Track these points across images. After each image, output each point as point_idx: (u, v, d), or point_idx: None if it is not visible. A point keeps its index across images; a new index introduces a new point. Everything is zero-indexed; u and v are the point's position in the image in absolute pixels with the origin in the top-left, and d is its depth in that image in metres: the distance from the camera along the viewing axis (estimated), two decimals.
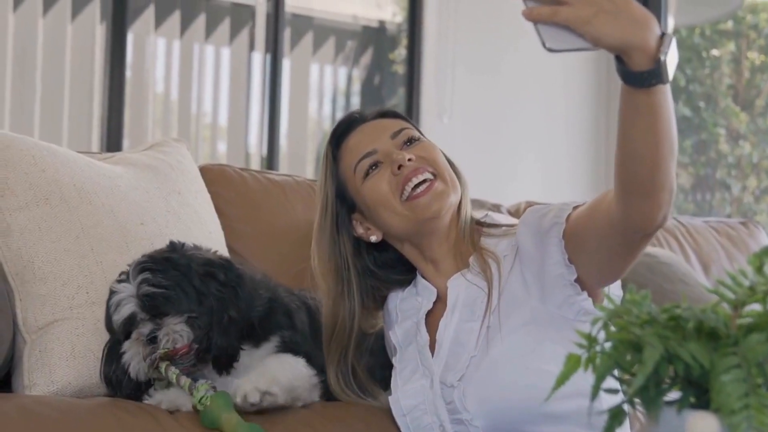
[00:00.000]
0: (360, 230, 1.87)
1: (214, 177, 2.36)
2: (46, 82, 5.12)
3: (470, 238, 1.84)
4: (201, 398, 1.70)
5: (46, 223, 1.88)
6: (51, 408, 1.68)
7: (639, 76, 1.37)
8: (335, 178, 1.87)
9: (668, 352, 0.97)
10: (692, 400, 0.99)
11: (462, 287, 1.79)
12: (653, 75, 1.36)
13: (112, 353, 1.80)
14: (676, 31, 5.71)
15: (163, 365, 1.73)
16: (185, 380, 1.72)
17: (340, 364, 1.89)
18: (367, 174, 1.82)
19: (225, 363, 1.78)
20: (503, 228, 1.85)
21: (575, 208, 1.68)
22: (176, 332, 1.73)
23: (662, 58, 1.35)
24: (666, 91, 1.40)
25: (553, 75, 5.26)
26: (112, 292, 1.78)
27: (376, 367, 1.95)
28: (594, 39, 1.34)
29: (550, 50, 1.37)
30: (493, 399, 1.69)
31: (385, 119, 1.89)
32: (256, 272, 1.95)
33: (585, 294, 1.68)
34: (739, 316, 1.01)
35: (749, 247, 3.14)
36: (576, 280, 1.67)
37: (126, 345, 1.76)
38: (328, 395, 1.92)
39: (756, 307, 1.01)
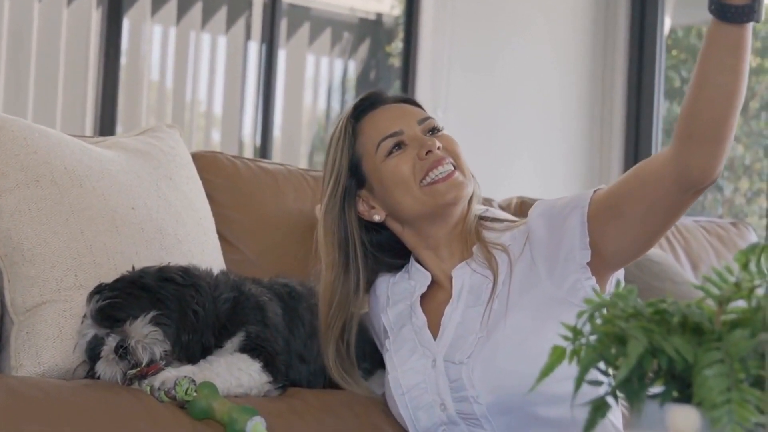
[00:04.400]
0: (362, 207, 1.88)
1: (206, 164, 2.36)
2: (41, 68, 5.11)
3: (474, 230, 1.87)
4: (187, 390, 1.69)
5: (36, 205, 1.88)
6: (37, 389, 1.68)
7: (736, 10, 1.45)
8: (351, 150, 1.88)
9: (652, 346, 0.97)
10: (675, 394, 1.00)
11: (467, 276, 1.83)
12: (750, 10, 1.45)
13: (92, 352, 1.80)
14: (672, 31, 5.72)
15: (135, 382, 1.73)
16: (160, 387, 1.71)
17: (339, 342, 1.89)
18: (390, 153, 1.84)
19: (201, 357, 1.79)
20: (505, 223, 1.90)
21: (595, 192, 1.75)
22: (146, 336, 1.73)
23: None
24: (750, 34, 1.49)
25: (549, 70, 5.26)
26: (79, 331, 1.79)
27: (359, 344, 1.95)
28: None
29: None
30: (500, 377, 1.72)
31: (408, 105, 1.92)
32: (215, 272, 1.92)
33: (593, 279, 1.73)
34: (724, 312, 1.02)
35: (738, 247, 3.15)
36: (589, 264, 1.72)
37: (98, 367, 1.76)
38: (308, 384, 1.93)
39: (741, 303, 1.02)
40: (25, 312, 1.84)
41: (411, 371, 1.81)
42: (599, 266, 1.74)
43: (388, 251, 1.91)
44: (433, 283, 1.88)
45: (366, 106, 1.90)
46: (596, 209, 1.72)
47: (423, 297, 1.87)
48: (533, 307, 1.74)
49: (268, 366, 1.83)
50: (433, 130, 1.87)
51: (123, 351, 1.73)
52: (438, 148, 1.82)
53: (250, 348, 1.83)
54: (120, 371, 1.74)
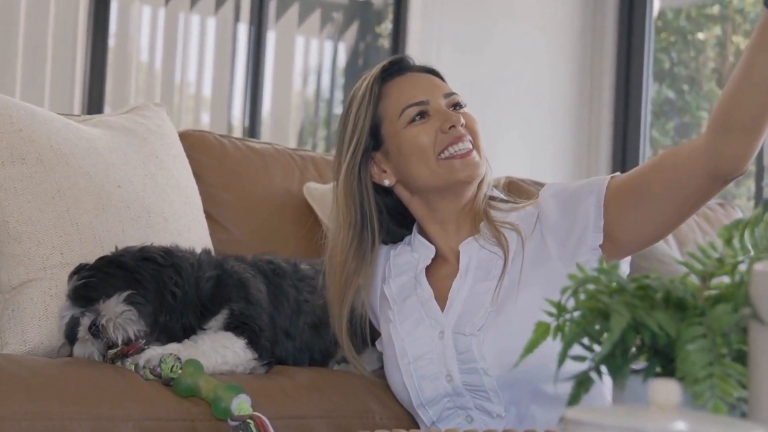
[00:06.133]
0: (374, 170, 1.88)
1: (194, 143, 2.35)
2: (29, 48, 5.08)
3: (483, 209, 1.88)
4: (172, 367, 1.69)
5: (21, 183, 1.87)
6: (23, 367, 1.67)
7: None
8: (373, 111, 1.87)
9: (636, 321, 0.98)
10: (658, 369, 1.00)
11: (474, 251, 1.83)
12: None
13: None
14: (662, 13, 5.72)
15: (118, 361, 1.73)
16: (145, 365, 1.71)
17: (355, 304, 1.88)
18: (412, 120, 1.84)
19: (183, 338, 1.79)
20: (510, 204, 1.91)
21: (612, 177, 1.77)
22: (119, 315, 1.72)
23: None
24: None
25: (538, 52, 5.26)
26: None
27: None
28: None
29: None
30: (509, 351, 1.71)
31: (435, 78, 1.92)
32: (197, 252, 1.92)
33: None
34: (707, 287, 1.02)
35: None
36: (602, 247, 1.74)
37: (75, 349, 1.76)
38: (295, 361, 1.93)
39: (724, 279, 1.02)
40: (11, 290, 1.84)
41: (418, 341, 1.82)
42: (611, 251, 1.75)
43: (392, 218, 1.91)
44: (437, 257, 1.88)
45: (394, 70, 1.89)
46: (615, 194, 1.74)
47: (426, 270, 1.88)
48: (543, 284, 1.75)
49: (253, 343, 1.83)
50: (457, 106, 1.87)
51: (96, 330, 1.72)
52: (462, 124, 1.83)
53: (234, 326, 1.83)
54: (97, 351, 1.74)
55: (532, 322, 1.69)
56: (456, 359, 1.77)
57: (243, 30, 5.52)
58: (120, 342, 1.72)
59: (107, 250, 1.84)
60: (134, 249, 1.82)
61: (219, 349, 1.79)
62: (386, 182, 1.87)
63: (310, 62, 6.01)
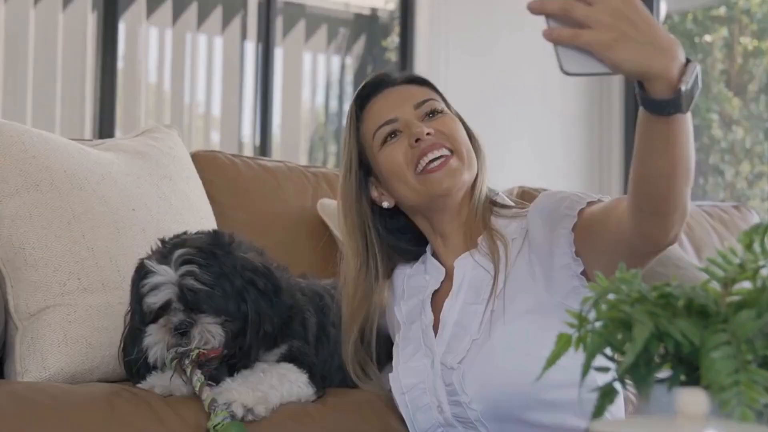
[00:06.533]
0: (375, 194, 1.86)
1: (206, 163, 2.35)
2: (38, 74, 5.10)
3: (482, 216, 1.82)
4: (217, 424, 1.66)
5: (36, 210, 1.87)
6: (44, 394, 1.67)
7: (658, 104, 1.33)
8: (357, 139, 1.85)
9: (658, 330, 0.97)
10: (683, 377, 0.99)
11: (469, 268, 1.79)
12: (672, 104, 1.32)
13: (133, 338, 1.77)
14: (668, 17, 5.71)
15: (189, 366, 1.70)
16: (207, 393, 1.69)
17: (362, 332, 1.86)
18: (384, 141, 1.81)
19: (240, 368, 1.77)
20: (514, 210, 1.84)
21: (590, 204, 1.67)
22: (210, 332, 1.71)
23: (683, 88, 1.31)
24: (685, 119, 1.37)
25: (546, 60, 5.24)
26: (148, 272, 1.73)
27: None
28: (614, 65, 1.29)
29: (567, 73, 1.31)
30: (492, 384, 1.69)
31: (413, 86, 1.87)
32: (290, 275, 1.91)
33: None
34: (729, 293, 1.01)
35: (741, 230, 3.13)
36: (582, 273, 1.67)
37: (151, 329, 1.73)
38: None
39: (746, 284, 1.01)
40: (29, 317, 1.84)
41: (412, 371, 1.80)
42: (591, 276, 1.67)
43: (405, 235, 1.88)
44: (446, 277, 1.84)
45: (369, 91, 1.87)
46: (581, 225, 1.66)
47: (435, 292, 1.84)
48: (531, 312, 1.70)
49: (311, 377, 1.84)
50: (433, 113, 1.82)
51: (184, 330, 1.70)
52: (428, 134, 1.77)
53: (291, 358, 1.82)
54: (164, 342, 1.71)
55: (515, 356, 1.67)
56: (444, 390, 1.75)
57: (250, 48, 5.54)
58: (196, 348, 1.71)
59: (124, 274, 1.84)
60: (243, 260, 1.77)
61: (285, 384, 1.78)
62: (386, 204, 1.84)
63: (318, 77, 6.02)
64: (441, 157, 1.77)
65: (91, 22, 5.13)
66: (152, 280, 1.72)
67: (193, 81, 5.63)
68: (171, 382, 1.74)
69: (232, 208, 2.33)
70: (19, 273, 1.85)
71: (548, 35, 1.30)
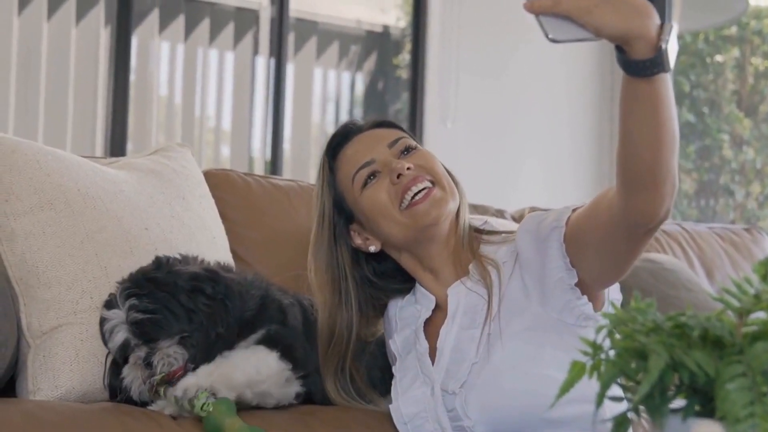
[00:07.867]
0: (358, 241, 1.87)
1: (218, 182, 2.36)
2: (51, 87, 5.13)
3: (469, 245, 1.84)
4: (203, 405, 1.70)
5: (50, 228, 1.88)
6: (55, 413, 1.67)
7: (640, 64, 1.38)
8: (332, 189, 1.87)
9: (673, 360, 0.97)
10: (697, 408, 0.99)
11: (462, 295, 1.80)
12: (654, 63, 1.37)
13: (115, 368, 1.82)
14: (680, 37, 5.71)
15: (161, 389, 1.75)
16: (184, 396, 1.72)
17: (337, 373, 1.89)
18: (365, 184, 1.82)
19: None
20: (502, 235, 1.86)
21: (574, 210, 1.69)
22: (170, 356, 1.75)
23: (663, 46, 1.36)
24: (667, 79, 1.41)
25: (556, 80, 5.26)
26: (102, 319, 1.79)
27: (375, 368, 1.95)
28: (595, 29, 1.35)
29: (554, 41, 1.38)
30: (494, 405, 1.69)
31: (381, 129, 1.89)
32: (247, 272, 1.95)
33: (585, 298, 1.69)
34: (744, 324, 1.01)
35: (753, 253, 3.13)
36: (577, 284, 1.68)
37: (125, 370, 1.78)
38: (323, 398, 1.92)
39: (761, 315, 1.01)
40: (42, 335, 1.84)
41: (412, 400, 1.80)
42: (586, 286, 1.69)
43: (394, 277, 1.90)
44: (438, 306, 1.85)
45: (339, 140, 1.89)
46: (570, 232, 1.67)
47: (428, 320, 1.85)
48: (527, 331, 1.70)
49: (286, 355, 1.84)
50: (407, 150, 1.84)
51: (149, 362, 1.75)
52: (408, 168, 1.79)
53: (266, 341, 1.84)
54: (139, 378, 1.76)
55: (516, 376, 1.68)
56: (447, 416, 1.75)
57: (262, 63, 5.56)
58: (160, 374, 1.75)
59: None
60: (185, 274, 1.81)
61: (252, 361, 1.79)
62: (372, 248, 1.86)
63: (329, 94, 6.04)
64: (424, 189, 1.78)
65: (103, 37, 5.15)
66: (107, 326, 1.77)
67: (204, 95, 5.65)
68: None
69: (244, 227, 2.34)
70: (32, 291, 1.86)
71: (529, 6, 1.37)
